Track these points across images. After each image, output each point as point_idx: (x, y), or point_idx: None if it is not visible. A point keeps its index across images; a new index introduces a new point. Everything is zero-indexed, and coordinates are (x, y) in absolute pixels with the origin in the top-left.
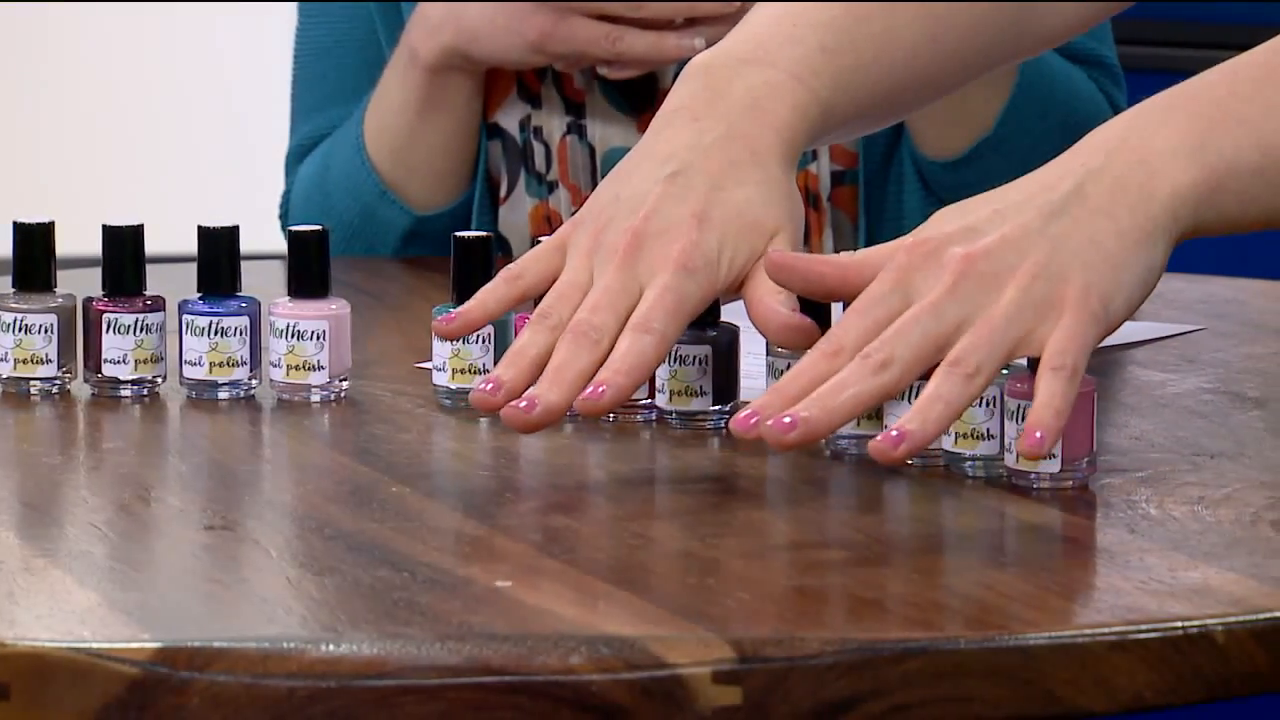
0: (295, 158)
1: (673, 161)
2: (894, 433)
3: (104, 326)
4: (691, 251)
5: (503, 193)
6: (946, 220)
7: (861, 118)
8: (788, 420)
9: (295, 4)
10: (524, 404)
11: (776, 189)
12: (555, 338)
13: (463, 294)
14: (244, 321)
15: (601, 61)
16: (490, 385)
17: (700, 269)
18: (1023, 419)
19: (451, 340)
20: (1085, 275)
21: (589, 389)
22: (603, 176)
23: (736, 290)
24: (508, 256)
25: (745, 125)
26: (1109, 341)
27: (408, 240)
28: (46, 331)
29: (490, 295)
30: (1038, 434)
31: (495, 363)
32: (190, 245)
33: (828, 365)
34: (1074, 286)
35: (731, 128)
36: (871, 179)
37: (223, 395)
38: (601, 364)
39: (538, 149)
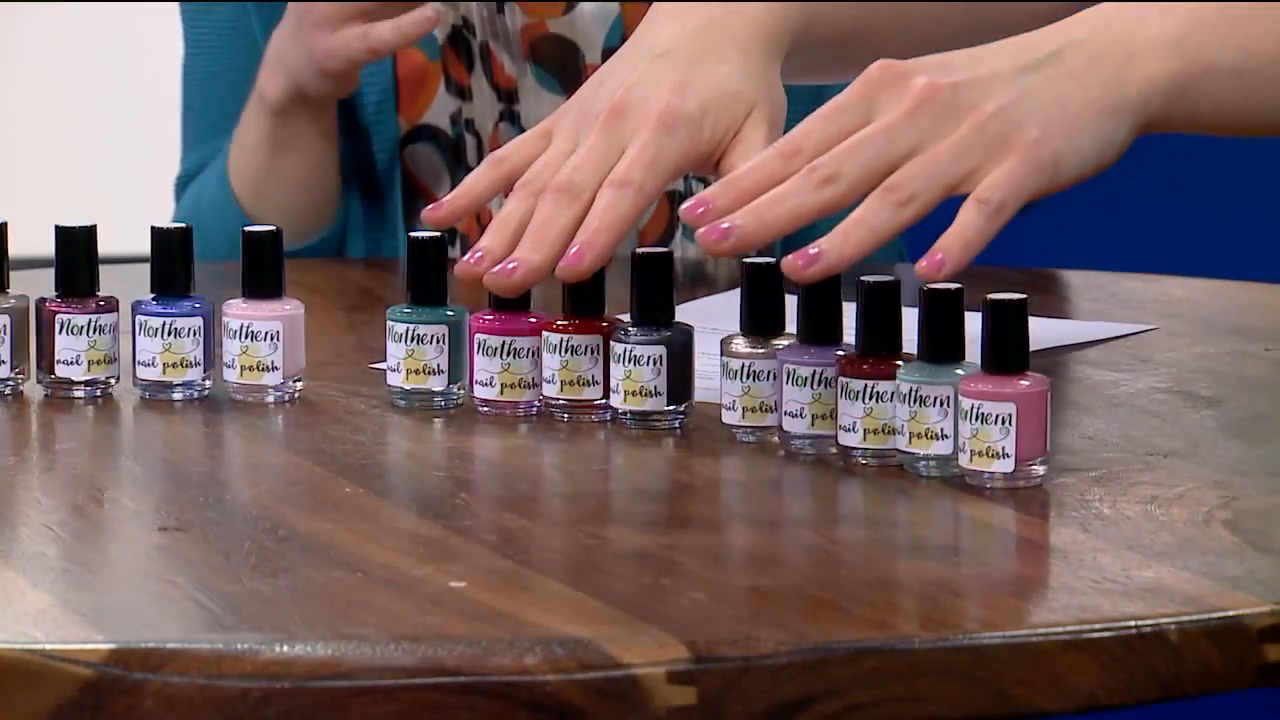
0: (181, 185)
1: (655, 48)
2: (811, 251)
3: (57, 327)
4: (673, 111)
5: (443, 195)
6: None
7: (844, 42)
8: (725, 227)
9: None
10: (508, 266)
11: (755, 69)
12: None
13: (418, 294)
14: (197, 322)
15: (367, 60)
16: (475, 256)
17: (681, 127)
18: (978, 419)
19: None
20: (1043, 128)
21: (568, 253)
22: None
23: (715, 165)
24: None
25: (725, 18)
26: (1060, 341)
27: None
28: None
29: (476, 180)
30: (939, 256)
31: (449, 364)
32: (143, 246)
33: (783, 165)
34: (1029, 134)
35: (711, 19)
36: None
37: (176, 396)
38: (582, 219)
39: (469, 141)
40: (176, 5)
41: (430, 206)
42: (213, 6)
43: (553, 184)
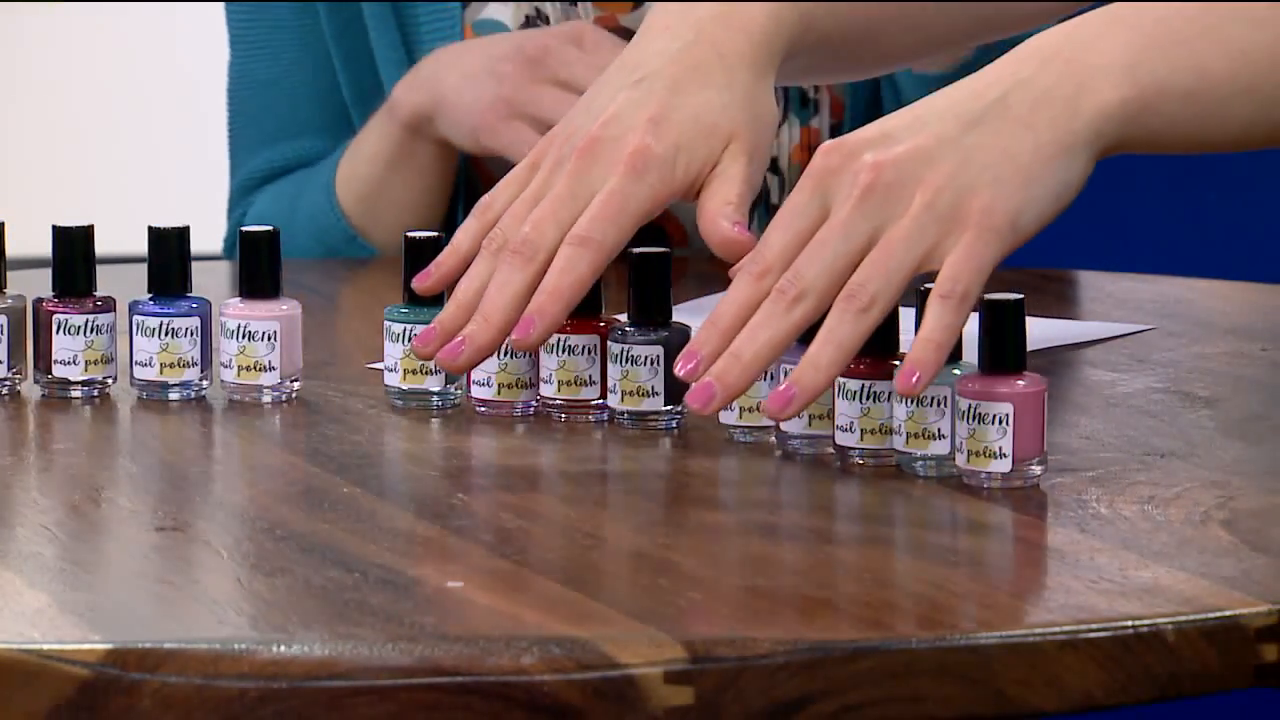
0: (242, 192)
1: (639, 69)
2: (790, 391)
3: (54, 327)
4: (643, 153)
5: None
6: (868, 124)
7: (845, 41)
8: (710, 386)
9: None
10: (457, 346)
11: (739, 93)
12: None
13: (414, 294)
14: (194, 322)
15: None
16: (431, 330)
17: (651, 171)
18: (975, 419)
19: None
20: (993, 189)
21: (519, 325)
22: None
23: (694, 196)
24: None
25: (714, 30)
26: (1057, 341)
27: None
28: None
29: (463, 235)
30: (915, 375)
31: None
32: (141, 246)
33: (756, 288)
34: (980, 200)
35: (700, 34)
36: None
37: (173, 396)
38: (539, 280)
39: None
40: (177, 5)
41: (419, 275)
42: (269, 7)
43: (510, 242)
